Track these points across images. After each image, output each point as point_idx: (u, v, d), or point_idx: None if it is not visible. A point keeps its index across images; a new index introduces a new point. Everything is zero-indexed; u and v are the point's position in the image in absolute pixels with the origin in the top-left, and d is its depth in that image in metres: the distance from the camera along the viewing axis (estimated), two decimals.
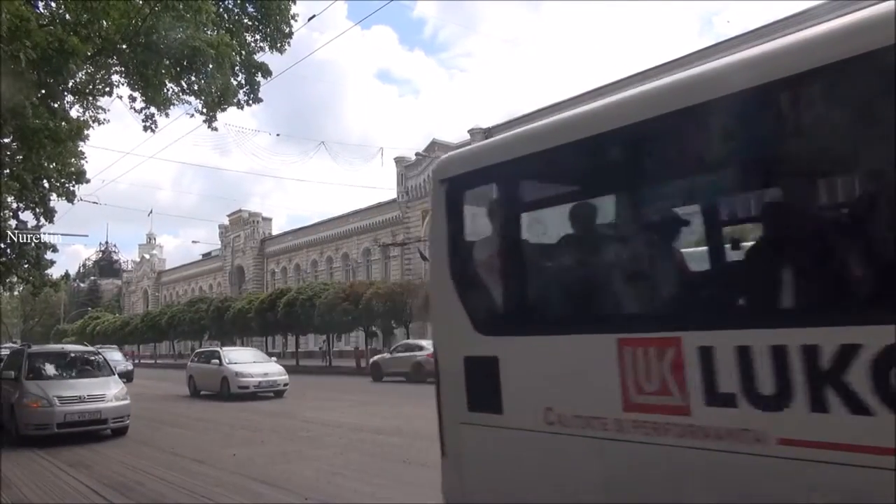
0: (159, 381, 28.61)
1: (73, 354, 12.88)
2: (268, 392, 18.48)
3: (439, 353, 3.94)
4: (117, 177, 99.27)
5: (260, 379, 18.31)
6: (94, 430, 10.89)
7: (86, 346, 13.76)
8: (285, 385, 18.67)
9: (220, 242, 67.52)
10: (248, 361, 19.40)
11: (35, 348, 13.20)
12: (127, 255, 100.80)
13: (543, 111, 36.61)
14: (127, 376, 21.20)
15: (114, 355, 39.61)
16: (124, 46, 9.42)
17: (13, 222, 16.67)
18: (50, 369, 11.83)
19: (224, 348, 21.62)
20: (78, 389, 10.97)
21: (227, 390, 18.08)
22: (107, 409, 10.93)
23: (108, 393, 11.13)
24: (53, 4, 9.91)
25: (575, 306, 3.48)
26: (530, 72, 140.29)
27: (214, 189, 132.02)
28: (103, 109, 12.86)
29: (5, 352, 38.86)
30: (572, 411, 3.10)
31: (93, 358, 12.66)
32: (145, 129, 11.00)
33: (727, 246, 3.11)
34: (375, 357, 26.97)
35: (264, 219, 64.45)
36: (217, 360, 19.14)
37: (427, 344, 23.68)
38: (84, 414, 10.66)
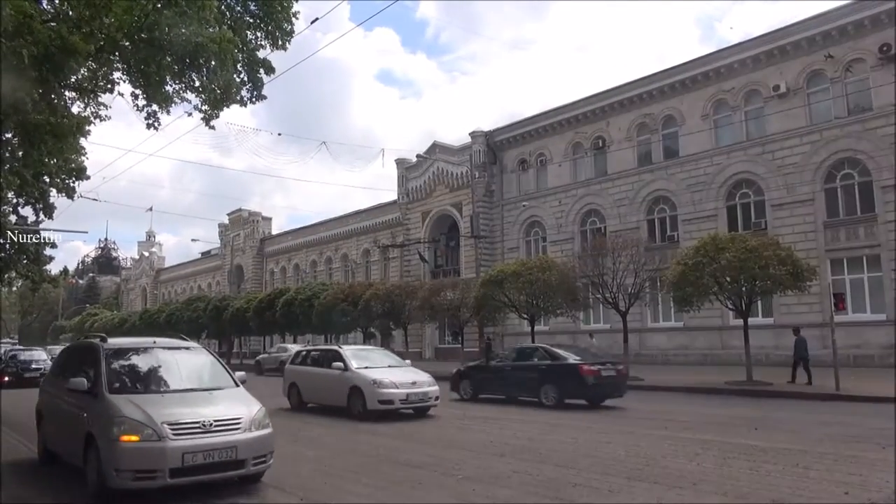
0: None
1: (173, 353, 8.26)
2: (407, 408, 13.56)
3: None
4: (117, 174, 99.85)
5: (407, 391, 13.33)
6: (224, 478, 6.88)
7: (183, 339, 9.08)
8: (436, 399, 13.83)
9: (219, 241, 67.53)
10: (383, 365, 14.46)
11: (114, 342, 8.18)
12: (126, 253, 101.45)
13: (545, 114, 36.68)
14: None
15: None
16: (126, 43, 9.41)
17: (13, 218, 16.65)
18: (142, 377, 7.62)
19: (345, 347, 16.20)
20: (195, 410, 6.86)
21: (361, 406, 13.22)
22: (244, 444, 6.78)
23: (242, 415, 7.01)
24: (57, 0, 9.90)
25: None
26: (532, 75, 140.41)
27: (214, 187, 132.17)
28: (105, 106, 12.80)
29: (5, 347, 37.14)
30: None
31: (203, 359, 8.33)
32: (148, 126, 10.98)
33: None
34: (258, 356, 34.49)
35: (264, 218, 64.49)
36: (341, 364, 14.13)
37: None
38: (211, 452, 6.55)
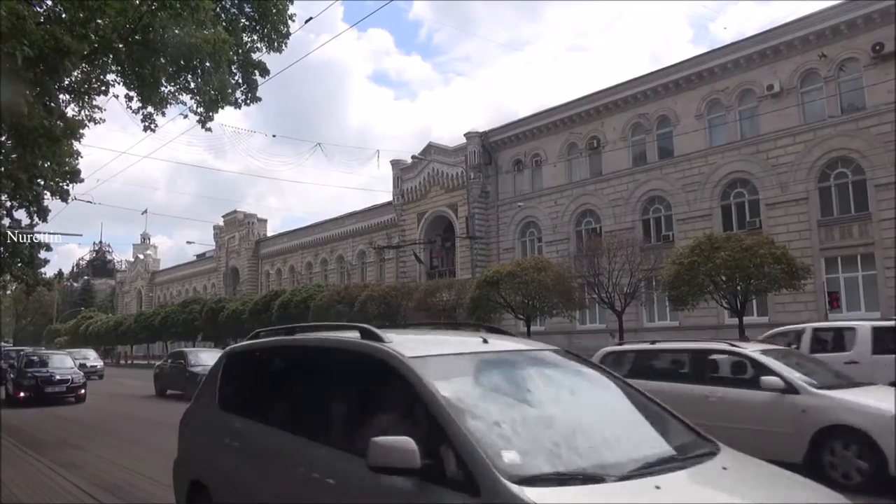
0: None
1: (539, 370, 3.65)
2: None
3: None
4: (112, 176, 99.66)
5: None
6: None
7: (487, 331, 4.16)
8: None
9: (214, 243, 67.34)
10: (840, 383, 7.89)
11: (406, 345, 3.46)
12: (121, 255, 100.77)
13: (540, 115, 36.75)
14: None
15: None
16: (120, 45, 9.39)
17: (7, 221, 16.61)
18: (537, 438, 2.99)
19: (746, 346, 8.99)
20: None
21: (875, 465, 6.49)
22: None
23: None
24: (50, 2, 9.87)
25: None
26: (527, 75, 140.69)
27: (209, 189, 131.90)
28: (99, 108, 12.76)
29: (20, 352, 30.19)
30: None
31: (597, 384, 3.74)
32: (145, 129, 10.98)
33: None
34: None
35: (259, 220, 64.32)
36: (776, 380, 7.46)
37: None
38: None
